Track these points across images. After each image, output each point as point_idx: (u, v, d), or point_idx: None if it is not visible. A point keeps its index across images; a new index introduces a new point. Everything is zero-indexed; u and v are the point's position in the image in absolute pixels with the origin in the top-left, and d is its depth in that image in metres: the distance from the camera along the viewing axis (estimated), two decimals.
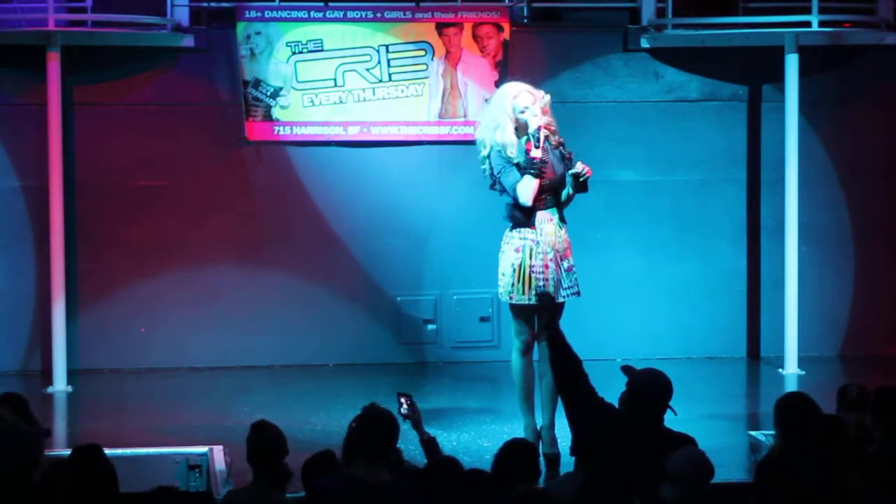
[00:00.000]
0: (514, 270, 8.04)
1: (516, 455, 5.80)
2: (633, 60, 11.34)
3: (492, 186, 8.16)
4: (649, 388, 6.39)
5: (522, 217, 8.05)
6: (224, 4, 11.00)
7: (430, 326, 11.26)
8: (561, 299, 8.07)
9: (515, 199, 7.99)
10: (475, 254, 10.79)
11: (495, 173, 8.04)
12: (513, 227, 8.09)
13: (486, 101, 8.40)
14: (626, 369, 6.55)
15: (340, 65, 10.97)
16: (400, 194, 11.18)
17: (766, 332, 11.41)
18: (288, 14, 10.95)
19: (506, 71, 10.90)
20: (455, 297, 11.22)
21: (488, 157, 8.10)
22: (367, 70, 10.99)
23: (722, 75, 11.39)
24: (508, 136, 8.03)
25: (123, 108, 10.98)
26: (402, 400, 6.72)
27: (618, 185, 11.23)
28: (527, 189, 7.97)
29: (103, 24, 10.50)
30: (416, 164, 11.18)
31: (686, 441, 6.20)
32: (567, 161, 8.10)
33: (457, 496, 5.45)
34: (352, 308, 11.20)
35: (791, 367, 10.85)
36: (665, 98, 11.37)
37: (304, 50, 10.95)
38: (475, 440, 8.71)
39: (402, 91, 11.03)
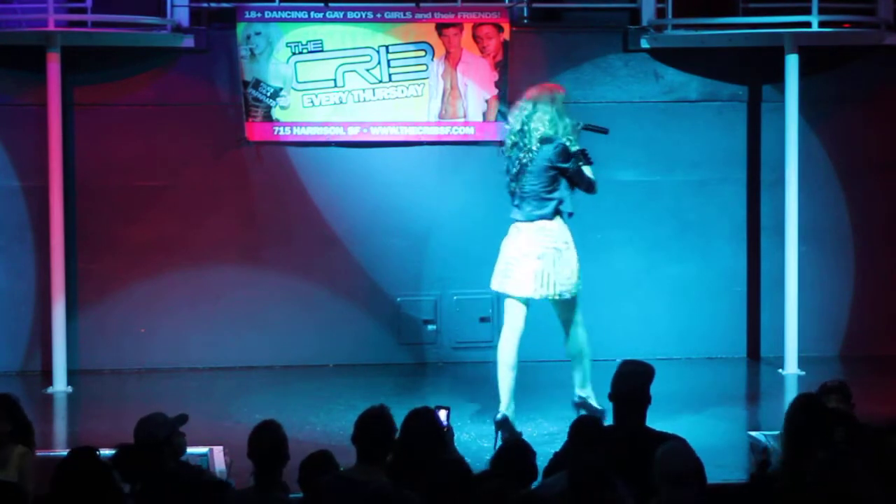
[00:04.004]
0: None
1: (513, 456, 5.79)
2: (633, 61, 11.34)
3: (515, 177, 8.49)
4: (631, 371, 6.44)
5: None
6: (224, 5, 11.00)
7: (429, 327, 11.26)
8: None
9: (592, 190, 8.55)
10: (475, 254, 10.78)
11: (571, 166, 8.41)
12: (552, 218, 8.48)
13: (534, 98, 8.59)
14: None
15: (340, 65, 10.97)
16: (400, 194, 11.18)
17: (766, 333, 11.41)
18: (288, 14, 10.95)
19: (506, 71, 10.91)
20: (455, 298, 11.22)
21: (561, 147, 8.44)
22: (367, 70, 10.99)
23: (722, 75, 11.39)
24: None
25: (123, 108, 10.98)
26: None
27: (618, 185, 11.22)
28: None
29: (103, 25, 10.50)
30: (416, 164, 11.18)
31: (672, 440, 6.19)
32: None
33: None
34: (352, 308, 11.20)
35: (791, 368, 10.85)
36: (665, 98, 11.37)
37: (304, 50, 10.95)
38: (475, 440, 8.70)
39: (402, 91, 11.03)
